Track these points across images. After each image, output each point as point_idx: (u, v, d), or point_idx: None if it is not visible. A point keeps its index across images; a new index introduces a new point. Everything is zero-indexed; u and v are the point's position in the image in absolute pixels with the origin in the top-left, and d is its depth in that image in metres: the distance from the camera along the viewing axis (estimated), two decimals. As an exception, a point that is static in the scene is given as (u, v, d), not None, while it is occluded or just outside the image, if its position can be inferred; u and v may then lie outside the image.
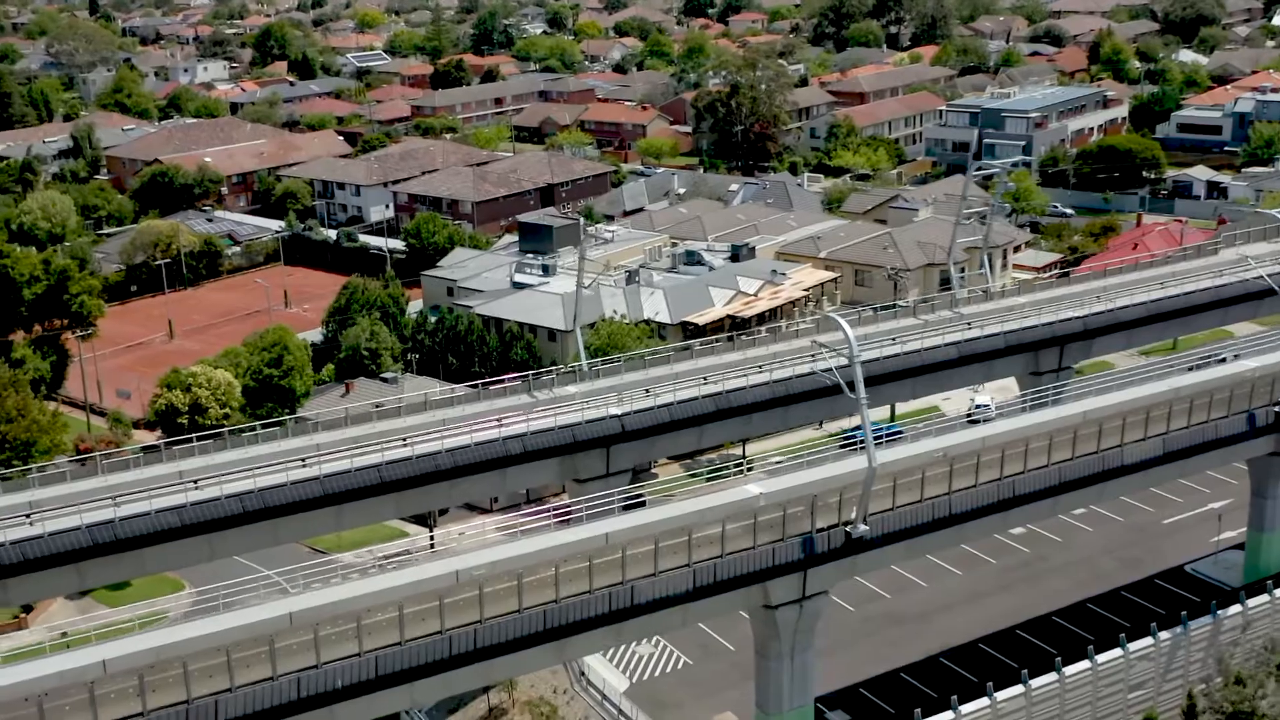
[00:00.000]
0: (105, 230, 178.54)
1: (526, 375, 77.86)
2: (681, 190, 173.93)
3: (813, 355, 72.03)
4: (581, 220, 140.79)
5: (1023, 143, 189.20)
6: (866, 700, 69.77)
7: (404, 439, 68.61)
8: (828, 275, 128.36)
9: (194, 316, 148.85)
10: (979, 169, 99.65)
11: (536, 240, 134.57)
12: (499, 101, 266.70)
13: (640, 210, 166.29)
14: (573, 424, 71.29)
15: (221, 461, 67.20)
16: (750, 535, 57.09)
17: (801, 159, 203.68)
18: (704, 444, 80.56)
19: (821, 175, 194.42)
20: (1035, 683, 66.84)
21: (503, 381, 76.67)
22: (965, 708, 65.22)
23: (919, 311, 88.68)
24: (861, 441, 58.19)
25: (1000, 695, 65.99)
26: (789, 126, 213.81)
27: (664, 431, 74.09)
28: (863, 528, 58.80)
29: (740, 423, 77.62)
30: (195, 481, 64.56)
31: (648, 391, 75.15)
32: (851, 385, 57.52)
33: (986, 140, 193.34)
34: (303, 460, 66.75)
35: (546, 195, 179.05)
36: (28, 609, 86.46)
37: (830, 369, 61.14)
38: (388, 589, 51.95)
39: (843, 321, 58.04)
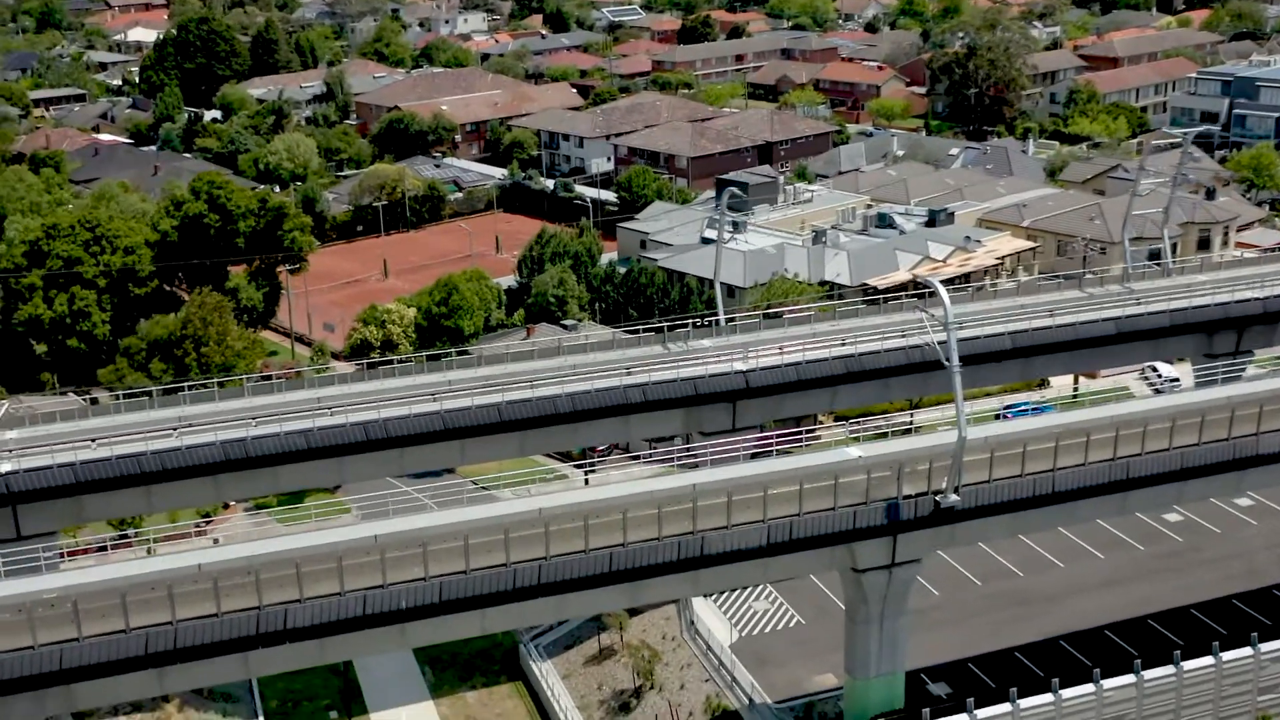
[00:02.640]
0: (344, 172, 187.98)
1: (661, 326, 78.99)
2: (900, 153, 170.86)
3: (900, 325, 71.04)
4: (780, 178, 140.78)
5: (1277, 115, 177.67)
6: (973, 675, 68.44)
7: (530, 382, 71.02)
8: (1026, 244, 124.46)
9: (411, 257, 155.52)
10: (1161, 137, 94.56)
11: (734, 196, 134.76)
12: (740, 59, 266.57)
13: (856, 171, 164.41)
14: (695, 377, 72.16)
15: (356, 391, 71.11)
16: (831, 496, 56.77)
17: (1037, 125, 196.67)
18: (837, 405, 79.99)
19: (1056, 142, 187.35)
20: (1150, 674, 64.20)
21: (636, 330, 78.01)
22: (1069, 692, 63.31)
23: (1085, 284, 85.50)
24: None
25: (1109, 683, 63.65)
26: (1027, 91, 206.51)
27: (792, 390, 74.07)
28: (953, 498, 57.71)
29: (876, 386, 76.77)
30: (330, 408, 68.68)
31: (781, 349, 75.31)
32: (968, 357, 56.60)
33: (1237, 111, 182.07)
34: (433, 395, 70.00)
35: (765, 153, 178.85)
36: (208, 519, 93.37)
37: (932, 342, 59.90)
38: (465, 521, 54.52)
39: (940, 286, 56.82)
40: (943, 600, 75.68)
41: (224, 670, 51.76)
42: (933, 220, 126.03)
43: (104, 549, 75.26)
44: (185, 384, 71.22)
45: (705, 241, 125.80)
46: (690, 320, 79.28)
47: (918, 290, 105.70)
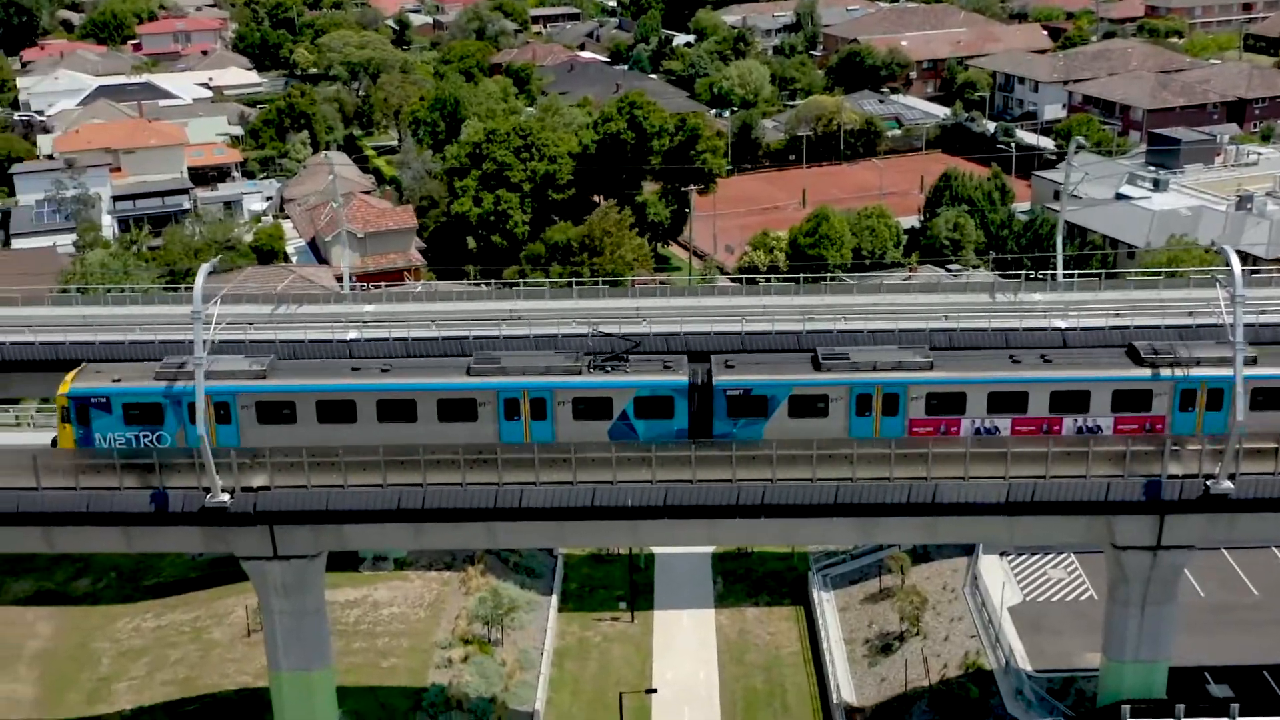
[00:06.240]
0: (794, 101, 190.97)
1: (993, 277, 76.88)
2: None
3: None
4: (1225, 138, 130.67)
5: None
6: (1264, 685, 63.14)
7: (842, 316, 71.63)
8: None
9: (833, 190, 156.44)
10: None
11: (1164, 154, 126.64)
12: (1247, 7, 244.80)
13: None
14: (1008, 329, 70.01)
15: (673, 304, 74.47)
16: (1084, 463, 54.19)
17: None
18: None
19: None
20: None
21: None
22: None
23: None
24: None
25: None
26: None
27: (1113, 354, 70.38)
28: (1226, 484, 53.43)
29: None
30: (645, 319, 72.50)
31: (1116, 313, 71.57)
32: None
33: None
34: (743, 317, 72.20)
35: (1235, 110, 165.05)
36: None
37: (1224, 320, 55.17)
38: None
39: (1231, 254, 52.35)
40: (1261, 600, 69.98)
41: (472, 536, 57.03)
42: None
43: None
44: (518, 280, 77.11)
45: (1119, 197, 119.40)
46: (1023, 273, 76.62)
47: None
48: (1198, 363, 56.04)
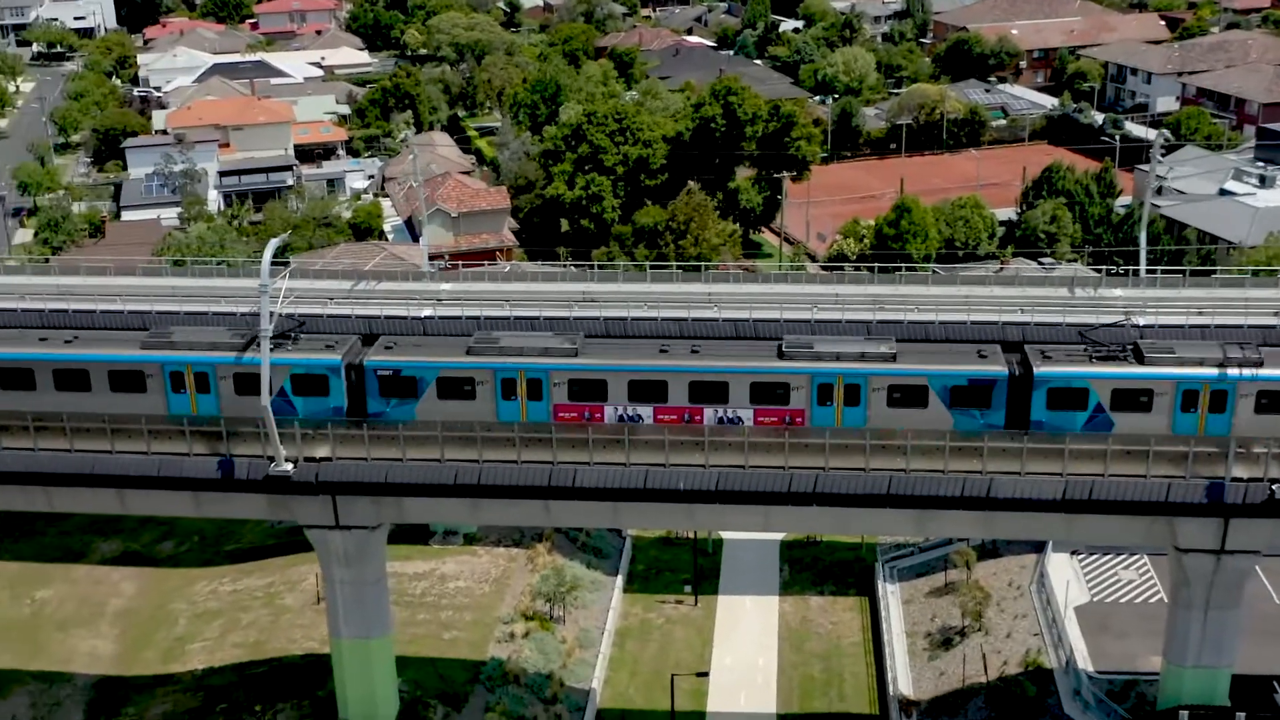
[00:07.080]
0: (899, 90, 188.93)
1: (1074, 271, 75.53)
2: None
3: None
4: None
5: None
6: (1337, 698, 61.48)
7: (933, 308, 70.85)
8: None
9: (933, 180, 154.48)
10: None
11: (1273, 149, 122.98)
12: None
13: None
14: (1083, 325, 68.72)
15: (744, 291, 74.31)
16: (1143, 462, 53.29)
17: None
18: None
19: None
20: None
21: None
22: None
23: None
24: None
25: None
26: None
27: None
28: (1293, 490, 52.23)
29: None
30: (716, 305, 72.59)
31: (1199, 310, 69.88)
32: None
33: None
34: (815, 305, 71.84)
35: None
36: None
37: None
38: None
39: (1304, 255, 50.91)
40: None
41: (529, 513, 57.78)
42: None
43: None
44: (594, 263, 77.55)
45: (1222, 193, 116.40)
46: (1104, 268, 75.11)
47: None
48: (837, 358, 55.86)
